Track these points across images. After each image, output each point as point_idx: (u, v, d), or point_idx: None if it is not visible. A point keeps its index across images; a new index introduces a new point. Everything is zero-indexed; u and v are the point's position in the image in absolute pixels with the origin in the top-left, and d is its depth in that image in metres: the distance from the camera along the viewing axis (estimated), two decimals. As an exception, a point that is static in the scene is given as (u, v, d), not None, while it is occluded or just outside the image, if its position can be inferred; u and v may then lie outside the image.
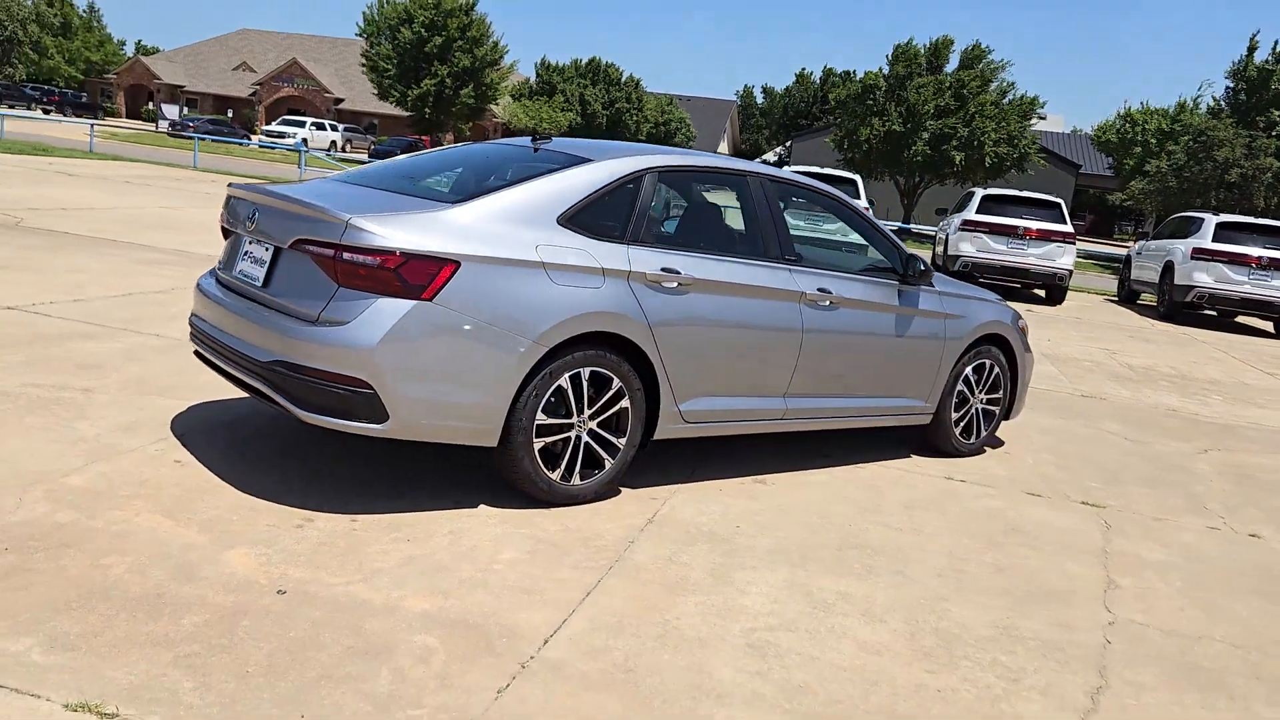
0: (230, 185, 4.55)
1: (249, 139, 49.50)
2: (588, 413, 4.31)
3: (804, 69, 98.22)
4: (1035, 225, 17.32)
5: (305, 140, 50.18)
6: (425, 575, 3.50)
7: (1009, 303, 6.70)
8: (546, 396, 4.15)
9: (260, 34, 78.22)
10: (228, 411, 5.08)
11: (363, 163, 24.93)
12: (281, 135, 50.08)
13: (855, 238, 7.32)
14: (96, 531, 3.51)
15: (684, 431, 4.71)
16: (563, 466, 4.28)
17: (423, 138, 49.86)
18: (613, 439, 4.43)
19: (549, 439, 4.22)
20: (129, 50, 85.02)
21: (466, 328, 3.90)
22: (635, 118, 67.81)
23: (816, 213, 8.28)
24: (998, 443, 6.60)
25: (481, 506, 4.23)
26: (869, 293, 5.36)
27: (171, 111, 53.49)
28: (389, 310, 3.79)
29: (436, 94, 44.96)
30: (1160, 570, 4.52)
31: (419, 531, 3.88)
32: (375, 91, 46.76)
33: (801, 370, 5.05)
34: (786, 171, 5.74)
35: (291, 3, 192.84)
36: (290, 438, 4.77)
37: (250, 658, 2.83)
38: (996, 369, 6.13)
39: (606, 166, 4.52)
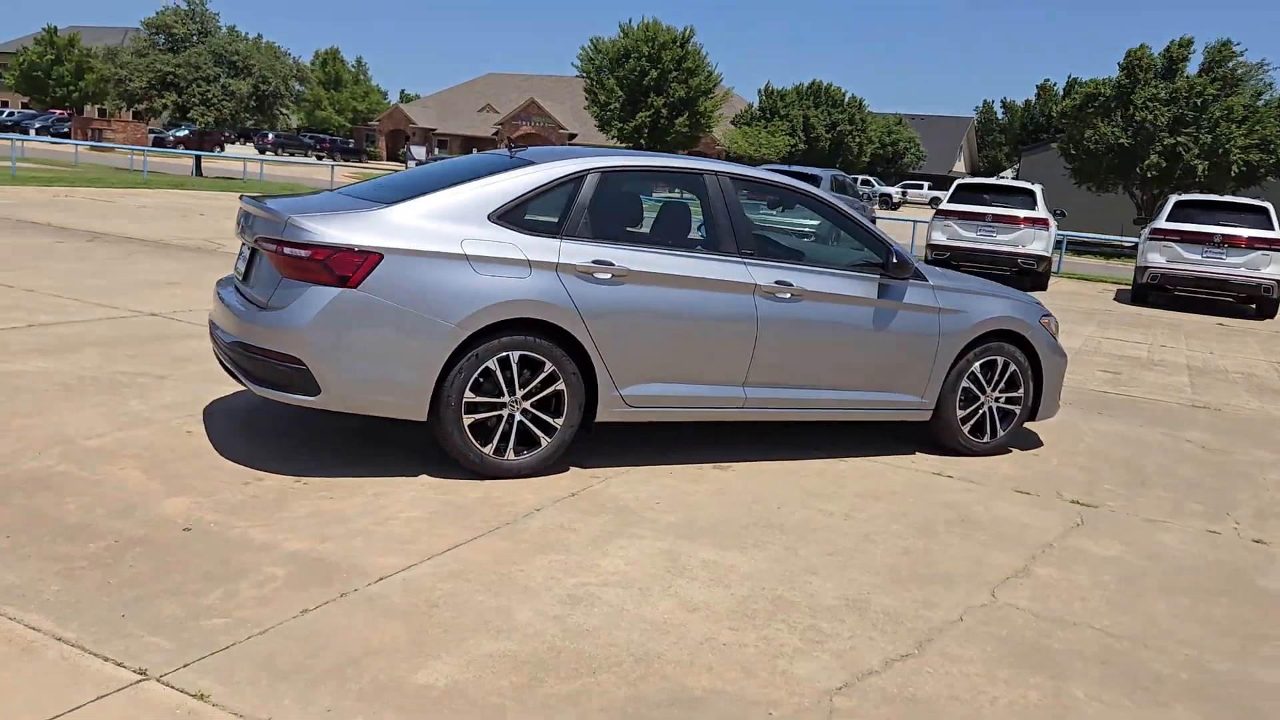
0: (240, 198, 5.30)
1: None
2: (520, 393, 4.69)
3: (1046, 79, 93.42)
4: (1235, 232, 16.00)
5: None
6: (322, 525, 4.01)
7: (1035, 298, 6.48)
8: (474, 376, 4.58)
9: (503, 77, 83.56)
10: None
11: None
12: (512, 170, 53.19)
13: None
14: (78, 480, 4.26)
15: (630, 415, 5.00)
16: (495, 441, 4.69)
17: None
18: (549, 419, 4.79)
19: (479, 415, 4.64)
20: (394, 98, 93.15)
21: (391, 312, 4.41)
22: (858, 139, 66.99)
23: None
24: (1033, 443, 6.38)
25: (422, 476, 4.70)
26: (841, 286, 5.42)
27: (419, 152, 58.10)
28: (318, 297, 4.36)
29: (652, 125, 46.42)
30: (1097, 565, 4.35)
31: (347, 491, 4.40)
32: (596, 124, 48.83)
33: (760, 360, 5.20)
34: (758, 171, 5.89)
35: (533, 46, 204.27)
36: (299, 419, 5.43)
37: (120, 574, 3.43)
38: (1013, 366, 5.96)
39: (547, 169, 4.91)
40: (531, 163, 4.96)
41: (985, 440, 6.00)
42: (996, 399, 5.98)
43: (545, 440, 4.80)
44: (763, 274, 5.20)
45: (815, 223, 9.74)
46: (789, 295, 5.24)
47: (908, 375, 5.67)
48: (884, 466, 5.59)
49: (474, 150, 73.84)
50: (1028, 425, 6.72)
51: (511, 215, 4.74)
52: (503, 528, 4.15)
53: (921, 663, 3.31)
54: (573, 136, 72.59)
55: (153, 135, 53.63)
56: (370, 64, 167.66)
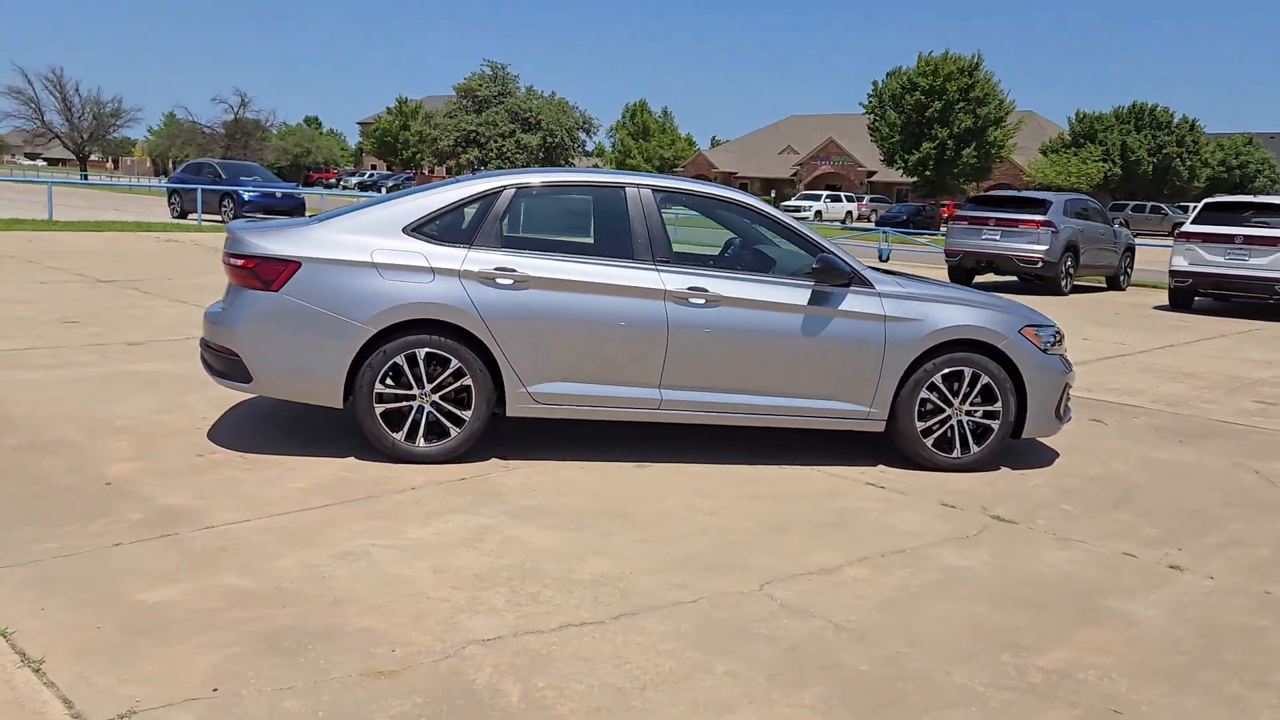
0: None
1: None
2: (430, 387, 5.23)
3: None
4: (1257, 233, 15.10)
5: (819, 212, 53.26)
6: (213, 487, 4.75)
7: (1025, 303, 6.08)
8: (384, 370, 5.18)
9: (804, 119, 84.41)
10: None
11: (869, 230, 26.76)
12: (798, 209, 53.75)
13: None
14: (75, 444, 5.31)
15: (540, 411, 5.38)
16: (406, 429, 5.25)
17: (935, 201, 50.10)
18: (458, 412, 5.29)
19: (391, 405, 5.22)
20: (704, 144, 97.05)
21: (307, 312, 5.12)
22: (1189, 162, 61.02)
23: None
24: (1046, 461, 6.00)
25: (349, 458, 5.34)
26: (766, 293, 5.48)
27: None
28: (250, 298, 5.17)
29: (937, 156, 45.19)
30: (924, 571, 4.18)
31: (269, 466, 5.13)
32: (881, 158, 48.27)
33: (674, 363, 5.39)
34: (683, 182, 6.00)
35: (835, 85, 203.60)
36: (303, 415, 6.27)
37: (19, 509, 4.33)
38: (985, 379, 5.68)
39: (467, 186, 5.46)
40: (459, 181, 5.53)
41: (955, 455, 5.74)
42: (969, 413, 5.71)
43: (454, 431, 5.30)
44: (675, 280, 5.40)
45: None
46: (703, 301, 5.40)
47: (850, 384, 5.59)
48: (819, 474, 5.54)
49: (771, 192, 75.15)
50: (1069, 443, 6.32)
51: (424, 228, 5.32)
52: (362, 500, 4.69)
53: (600, 629, 3.46)
54: (871, 174, 71.88)
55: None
56: (677, 113, 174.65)
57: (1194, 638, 3.69)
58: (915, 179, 49.70)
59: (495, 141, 37.87)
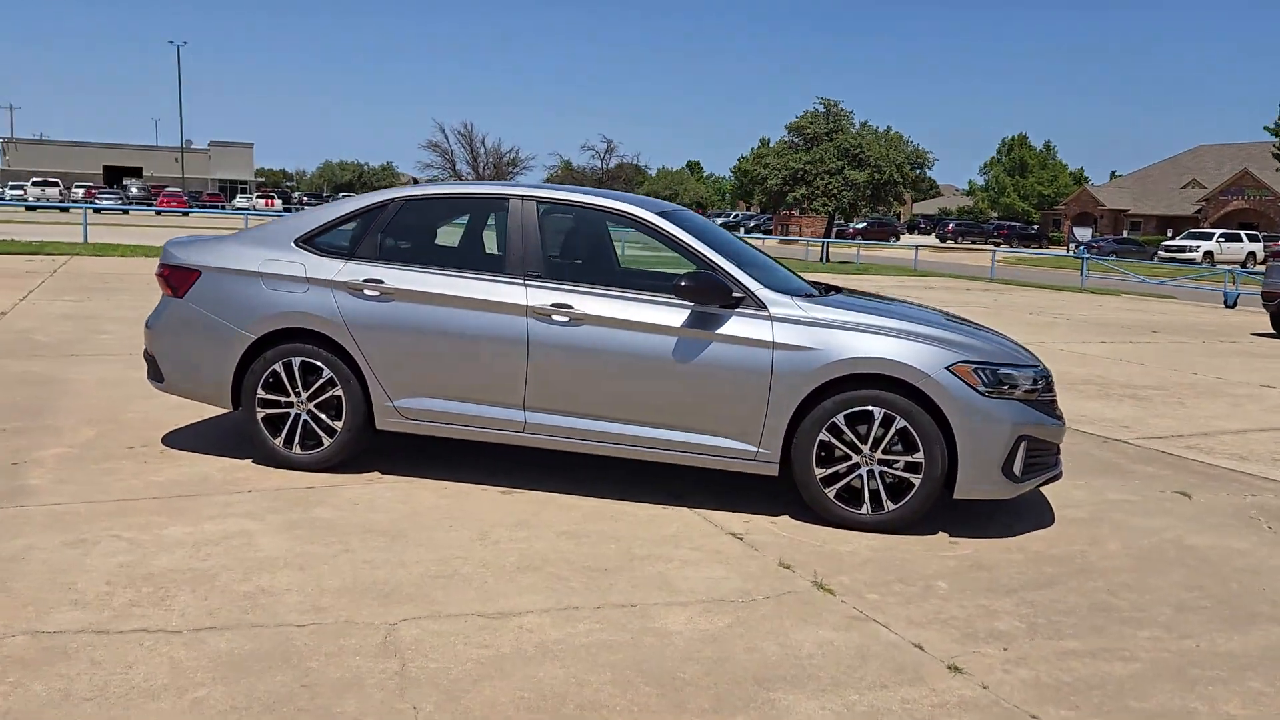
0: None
1: (1154, 257, 48.31)
2: (305, 395, 5.35)
3: None
4: None
5: (1209, 254, 46.96)
6: (92, 473, 5.17)
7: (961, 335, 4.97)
8: (264, 376, 5.37)
9: (1214, 149, 74.88)
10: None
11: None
12: (1181, 249, 47.74)
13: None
14: (54, 429, 6.03)
15: (406, 427, 5.29)
16: (283, 436, 5.40)
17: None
18: (331, 422, 5.35)
19: (271, 411, 5.40)
20: (1101, 179, 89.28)
21: (204, 318, 5.45)
22: None
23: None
24: (1009, 527, 4.91)
25: (247, 460, 5.58)
26: (636, 312, 4.99)
27: (1083, 234, 55.17)
28: (163, 304, 5.60)
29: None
30: (624, 633, 3.59)
31: (170, 462, 5.48)
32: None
33: (536, 385, 5.08)
34: (573, 193, 5.46)
35: (1253, 111, 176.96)
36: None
37: (-85, 477, 5.02)
38: (901, 423, 4.76)
39: (361, 199, 5.52)
40: (362, 196, 5.61)
41: (863, 512, 4.85)
42: (886, 462, 4.81)
43: (326, 440, 5.36)
44: (540, 296, 5.09)
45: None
46: (567, 319, 5.03)
47: (733, 419, 4.93)
48: (693, 518, 4.93)
49: (1169, 231, 67.38)
50: (1098, 514, 5.18)
51: (314, 240, 5.46)
52: (186, 497, 4.89)
53: (147, 637, 3.36)
54: (1295, 209, 62.10)
55: (836, 228, 58.87)
56: (1061, 146, 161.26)
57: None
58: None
59: (821, 179, 37.44)
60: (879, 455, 4.82)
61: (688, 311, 4.97)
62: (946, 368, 4.76)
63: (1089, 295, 24.13)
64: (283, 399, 5.37)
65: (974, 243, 67.31)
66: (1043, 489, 5.74)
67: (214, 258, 5.52)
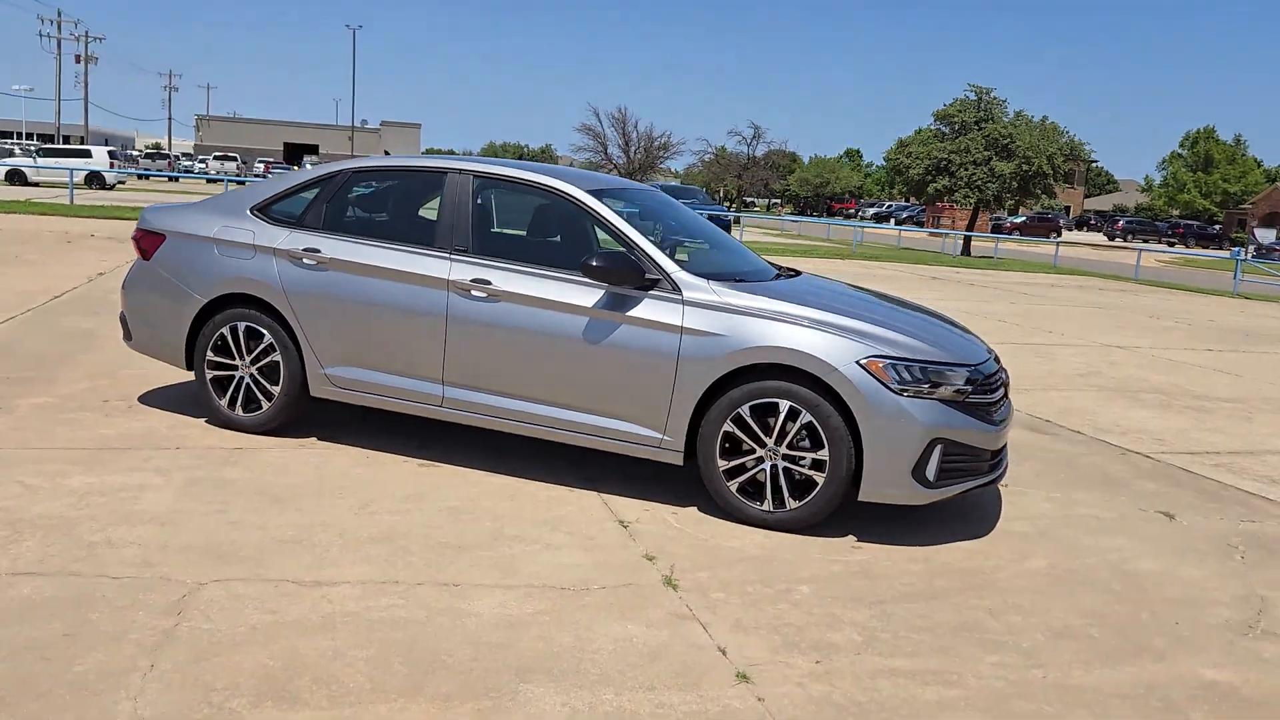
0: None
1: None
2: (249, 359, 5.50)
3: None
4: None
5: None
6: (55, 424, 5.46)
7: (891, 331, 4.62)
8: (213, 339, 5.55)
9: None
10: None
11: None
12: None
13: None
14: (52, 380, 6.41)
15: (338, 395, 5.36)
16: (228, 397, 5.57)
17: None
18: (269, 386, 5.48)
19: (218, 373, 5.56)
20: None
21: (165, 280, 5.67)
22: None
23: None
24: (915, 535, 4.60)
25: (202, 420, 5.78)
26: (552, 290, 4.88)
27: (1266, 236, 50.97)
28: (135, 267, 5.86)
29: None
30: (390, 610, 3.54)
31: (134, 415, 5.75)
32: None
33: (454, 360, 5.05)
34: (511, 169, 5.31)
35: None
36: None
37: (-106, 417, 5.43)
38: (807, 417, 4.50)
39: (316, 169, 5.61)
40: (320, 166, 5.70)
41: (764, 508, 4.62)
42: (791, 458, 4.56)
43: (265, 404, 5.50)
44: (462, 270, 5.05)
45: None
46: (485, 295, 4.98)
47: (639, 404, 4.77)
48: (591, 501, 4.82)
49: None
50: (1045, 529, 4.83)
51: (268, 208, 5.58)
52: (117, 450, 5.09)
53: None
54: None
55: (993, 221, 56.36)
56: (1253, 141, 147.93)
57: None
58: None
59: (965, 169, 35.94)
60: (784, 450, 4.57)
61: (602, 292, 4.84)
62: (857, 362, 4.47)
63: (1241, 301, 22.29)
64: (229, 362, 5.52)
65: (1145, 241, 63.29)
66: (1008, 498, 5.35)
67: (178, 223, 5.73)
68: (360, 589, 3.66)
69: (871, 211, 73.73)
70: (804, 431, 4.53)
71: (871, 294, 5.77)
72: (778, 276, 5.50)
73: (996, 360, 5.11)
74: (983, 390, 4.69)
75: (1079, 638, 3.71)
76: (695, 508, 4.85)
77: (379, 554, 4.00)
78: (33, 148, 46.04)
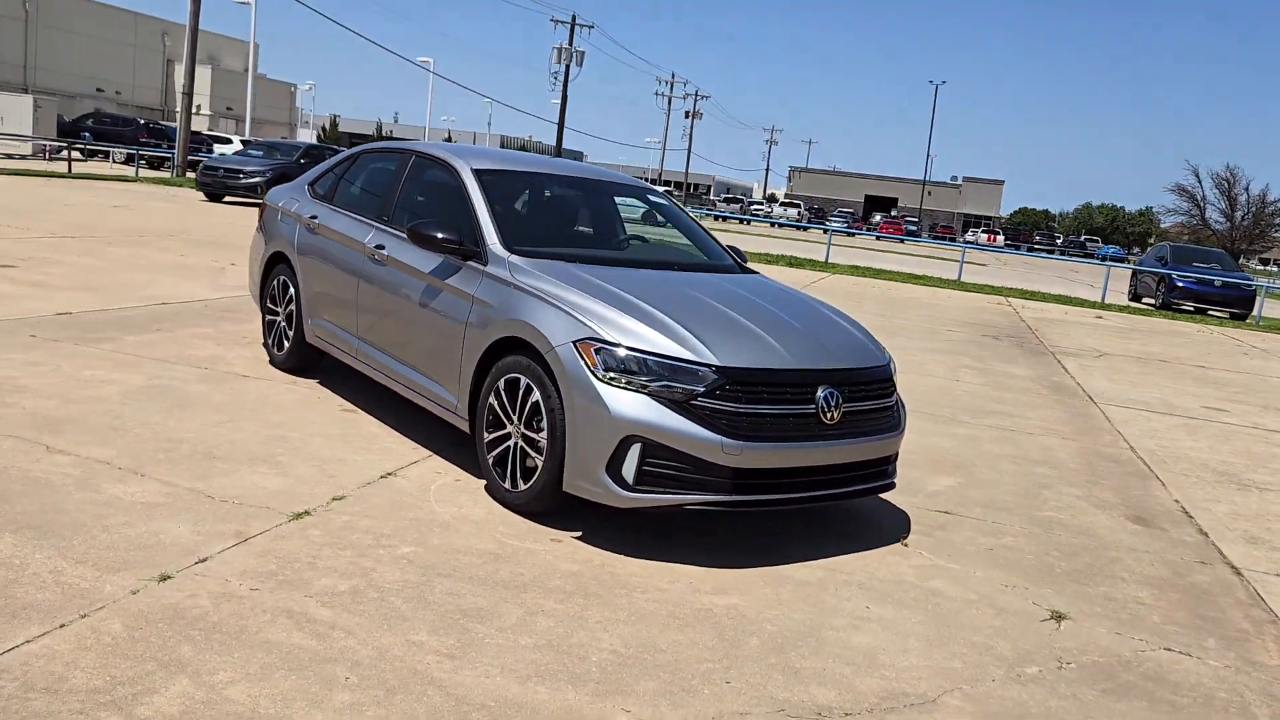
0: None
1: None
2: (281, 306, 6.60)
3: None
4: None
5: None
6: (171, 342, 7.08)
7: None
8: (270, 289, 6.74)
9: None
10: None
11: None
12: None
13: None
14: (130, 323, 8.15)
15: (317, 343, 6.22)
16: (272, 338, 6.71)
17: None
18: (288, 331, 6.52)
19: (269, 317, 6.73)
20: None
21: (257, 240, 7.01)
22: None
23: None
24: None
25: (252, 356, 6.99)
26: (415, 257, 5.22)
27: None
28: (257, 230, 7.30)
29: None
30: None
31: (215, 340, 7.18)
32: None
33: (361, 315, 5.63)
34: (429, 148, 5.48)
35: None
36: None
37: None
38: (537, 394, 4.35)
39: (348, 152, 6.54)
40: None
41: (508, 487, 4.50)
42: (528, 439, 4.42)
43: (286, 345, 6.54)
44: (375, 237, 5.61)
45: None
46: (380, 259, 5.49)
47: (443, 366, 4.94)
48: (413, 455, 5.08)
49: None
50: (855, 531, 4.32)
51: (315, 185, 6.63)
52: (144, 352, 6.48)
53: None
54: None
55: None
56: None
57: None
58: None
59: None
60: (521, 429, 4.44)
61: (440, 260, 5.08)
62: (573, 341, 4.20)
63: None
64: (274, 309, 6.67)
65: None
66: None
67: (273, 198, 7.03)
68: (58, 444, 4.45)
69: None
70: (537, 410, 4.35)
71: (740, 292, 5.08)
72: (717, 270, 5.45)
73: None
74: (727, 397, 4.07)
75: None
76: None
77: (144, 435, 4.74)
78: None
